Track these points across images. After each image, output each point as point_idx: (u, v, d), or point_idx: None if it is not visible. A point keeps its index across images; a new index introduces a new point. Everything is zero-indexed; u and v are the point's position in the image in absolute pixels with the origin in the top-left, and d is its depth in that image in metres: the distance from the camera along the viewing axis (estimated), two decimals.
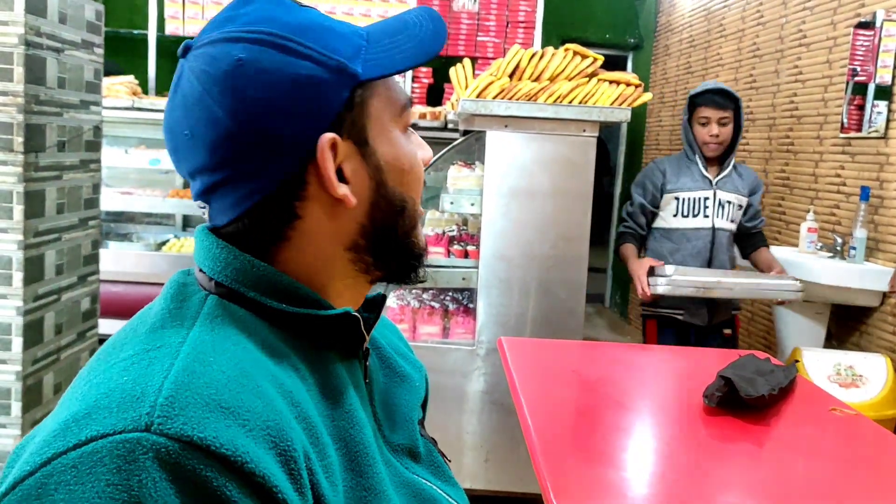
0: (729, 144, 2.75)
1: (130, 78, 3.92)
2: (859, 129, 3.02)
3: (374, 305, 0.73)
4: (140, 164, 3.75)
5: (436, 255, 2.83)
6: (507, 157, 2.74)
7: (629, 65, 6.22)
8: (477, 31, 5.15)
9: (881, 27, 2.89)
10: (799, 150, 3.53)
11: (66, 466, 0.47)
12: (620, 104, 2.69)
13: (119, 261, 3.59)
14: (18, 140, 1.91)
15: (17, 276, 1.94)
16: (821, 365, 2.65)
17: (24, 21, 1.89)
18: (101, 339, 2.31)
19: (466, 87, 2.73)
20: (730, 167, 2.78)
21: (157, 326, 0.57)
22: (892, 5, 2.89)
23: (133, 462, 0.46)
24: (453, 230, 3.18)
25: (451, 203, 2.82)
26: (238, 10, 0.62)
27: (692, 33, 5.10)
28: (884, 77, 2.89)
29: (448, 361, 2.82)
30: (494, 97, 2.68)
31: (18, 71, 1.89)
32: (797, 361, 2.66)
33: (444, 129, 3.56)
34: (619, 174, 6.27)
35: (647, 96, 2.75)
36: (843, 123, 3.13)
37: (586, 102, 2.70)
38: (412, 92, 5.07)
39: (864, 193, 2.86)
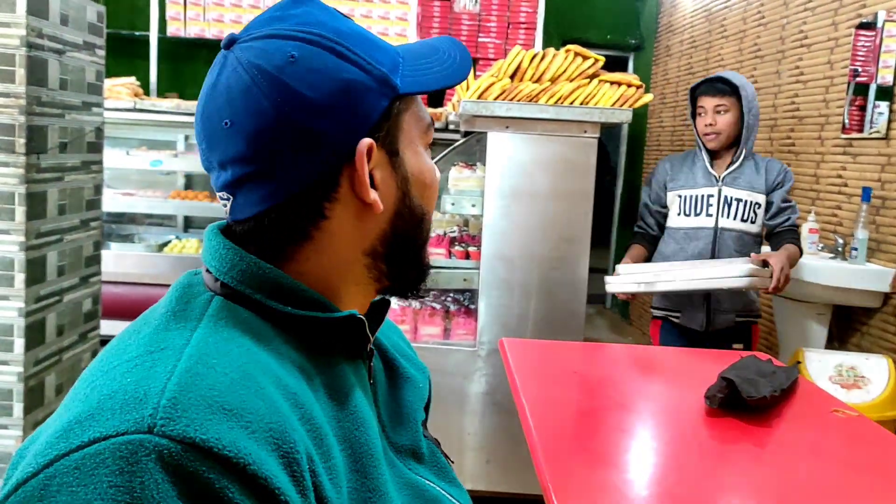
0: (736, 136, 2.55)
1: (132, 79, 3.92)
2: (861, 130, 3.02)
3: (378, 308, 0.73)
4: (141, 166, 3.75)
5: (437, 256, 2.83)
6: (509, 158, 2.74)
7: (630, 65, 6.22)
8: (478, 32, 5.15)
9: (882, 28, 2.89)
10: (800, 150, 3.53)
11: (68, 468, 0.47)
12: (621, 105, 2.69)
13: (121, 262, 3.59)
14: (20, 141, 1.91)
15: (19, 278, 1.94)
16: (823, 366, 2.65)
17: (26, 23, 1.89)
18: (103, 340, 2.31)
19: (468, 88, 2.73)
20: (739, 161, 2.56)
21: (161, 328, 0.58)
22: (894, 6, 2.88)
23: (135, 464, 0.46)
24: (454, 231, 3.18)
25: (453, 204, 2.82)
26: (288, 10, 0.64)
27: (693, 34, 5.10)
28: (885, 77, 2.89)
29: (449, 362, 2.82)
30: (496, 98, 2.68)
31: (20, 72, 1.90)
32: (799, 363, 2.66)
33: (446, 130, 3.56)
34: (621, 175, 6.27)
35: (648, 97, 2.75)
36: (844, 124, 3.13)
37: (587, 103, 2.70)
38: None
39: (866, 194, 2.86)
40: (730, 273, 2.30)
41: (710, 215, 2.57)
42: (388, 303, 0.74)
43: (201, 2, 4.96)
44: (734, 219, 2.55)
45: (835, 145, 3.24)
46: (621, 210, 6.28)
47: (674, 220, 2.64)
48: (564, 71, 2.71)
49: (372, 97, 0.63)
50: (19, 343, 1.96)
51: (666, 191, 2.65)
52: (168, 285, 0.65)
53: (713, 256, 2.56)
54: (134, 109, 3.66)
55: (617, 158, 6.37)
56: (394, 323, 0.84)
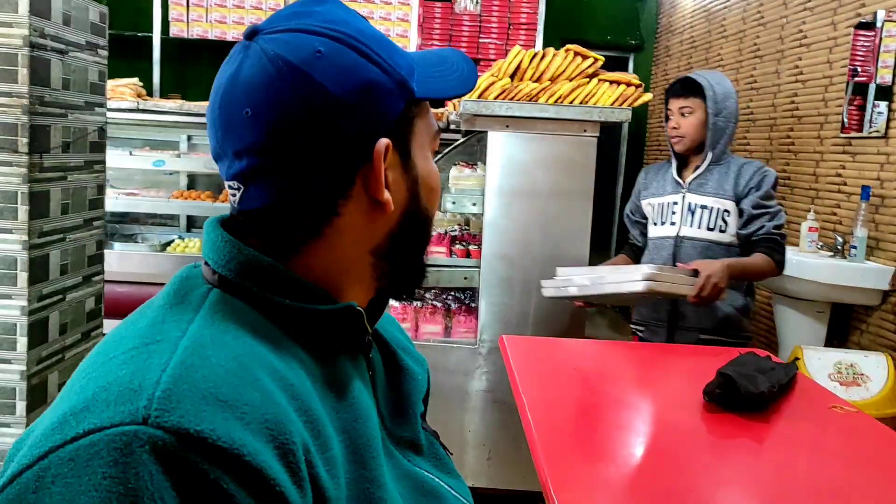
0: (703, 139, 2.36)
1: (135, 80, 3.93)
2: (860, 129, 3.03)
3: (377, 302, 0.74)
4: (144, 166, 3.76)
5: (438, 254, 2.84)
6: (509, 158, 2.75)
7: (630, 65, 6.23)
8: (479, 32, 5.16)
9: (881, 27, 2.90)
10: (799, 149, 3.53)
11: (63, 460, 0.47)
12: (621, 104, 2.70)
13: (123, 261, 3.61)
14: (23, 141, 1.92)
15: (22, 277, 1.95)
16: (822, 363, 2.66)
17: (29, 23, 1.90)
18: None
19: None
20: (705, 166, 2.37)
21: (157, 320, 0.58)
22: (893, 5, 2.89)
23: (130, 455, 0.46)
24: (455, 230, 3.19)
25: (453, 203, 2.84)
26: (312, 7, 0.65)
27: (693, 34, 5.11)
28: (884, 77, 2.89)
29: (450, 360, 2.83)
30: (496, 98, 2.69)
31: (23, 72, 1.91)
32: (798, 360, 2.66)
33: (446, 129, 3.57)
34: (621, 175, 6.28)
35: (648, 97, 2.76)
36: (843, 123, 3.14)
37: (587, 103, 2.71)
38: None
39: (865, 193, 2.87)
40: (630, 277, 2.09)
41: (674, 224, 2.41)
42: (388, 298, 0.75)
43: (204, 3, 4.97)
44: (697, 227, 2.36)
45: (834, 144, 3.24)
46: (622, 209, 6.29)
47: (650, 230, 2.51)
48: (564, 70, 2.72)
49: (391, 99, 0.64)
50: (22, 342, 1.97)
51: (640, 200, 2.55)
52: None
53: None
54: (137, 110, 3.67)
55: (617, 158, 6.38)
56: (392, 316, 0.85)
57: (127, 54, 5.19)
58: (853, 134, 3.07)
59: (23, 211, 1.94)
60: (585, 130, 2.73)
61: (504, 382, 2.73)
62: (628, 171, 6.19)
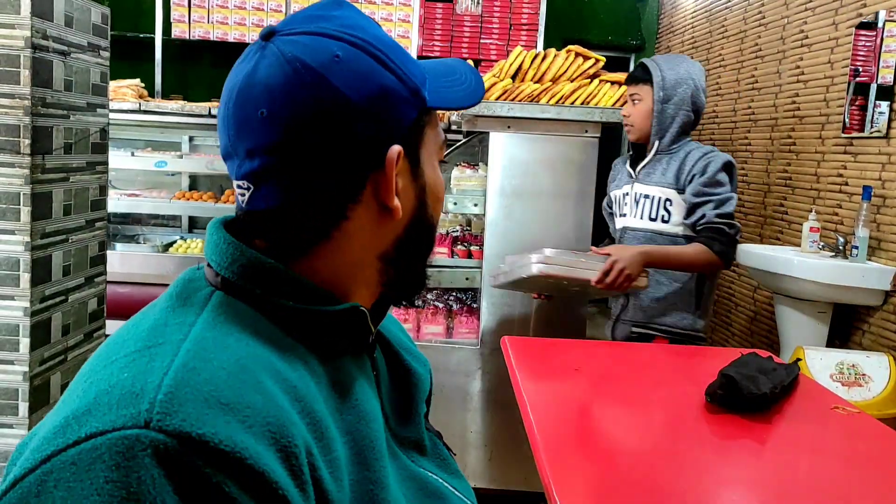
0: (653, 127, 2.27)
1: (136, 81, 3.94)
2: (861, 129, 3.03)
3: (380, 303, 0.74)
4: (146, 167, 3.78)
5: (439, 255, 2.84)
6: (510, 158, 2.75)
7: (631, 66, 6.23)
8: (480, 33, 5.17)
9: (883, 27, 2.90)
10: (801, 150, 3.53)
11: (65, 463, 0.47)
12: (622, 105, 2.70)
13: (126, 262, 3.61)
14: (25, 142, 1.92)
15: (25, 278, 1.96)
16: (823, 364, 2.65)
17: (31, 24, 1.90)
18: None
19: None
20: (651, 154, 2.30)
21: (160, 323, 0.58)
22: (894, 6, 2.89)
23: (132, 459, 0.46)
24: (457, 231, 3.20)
25: (455, 204, 2.84)
26: (330, 11, 0.65)
27: (694, 34, 5.11)
28: (885, 77, 2.89)
29: (452, 361, 2.83)
30: (497, 98, 2.69)
31: (25, 74, 1.91)
32: (799, 360, 2.66)
33: (448, 130, 3.57)
34: None
35: None
36: (844, 123, 3.14)
37: (588, 103, 2.71)
38: None
39: (867, 193, 2.87)
40: (525, 262, 2.07)
41: (624, 215, 2.39)
42: (391, 301, 0.76)
43: (206, 4, 4.98)
44: (640, 217, 2.31)
45: (835, 144, 3.24)
46: None
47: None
48: (565, 71, 2.72)
49: (405, 106, 0.64)
50: (24, 342, 1.97)
51: (609, 192, 2.52)
52: None
53: None
54: (139, 111, 3.68)
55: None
56: (394, 317, 0.86)
57: (129, 55, 5.19)
58: (854, 134, 3.07)
59: (25, 212, 1.94)
60: (587, 131, 2.74)
61: (505, 383, 2.73)
62: None
